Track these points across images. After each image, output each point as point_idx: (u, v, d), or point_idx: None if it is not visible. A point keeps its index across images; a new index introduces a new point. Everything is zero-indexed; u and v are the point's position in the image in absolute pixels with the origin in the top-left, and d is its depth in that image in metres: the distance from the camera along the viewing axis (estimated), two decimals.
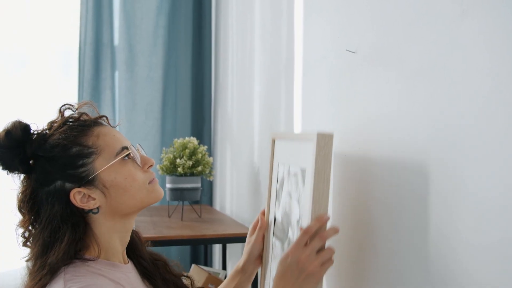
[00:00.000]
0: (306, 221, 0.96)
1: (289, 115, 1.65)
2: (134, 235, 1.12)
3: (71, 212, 0.94)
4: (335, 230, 0.93)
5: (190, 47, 3.16)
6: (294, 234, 1.05)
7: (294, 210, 1.06)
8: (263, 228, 1.23)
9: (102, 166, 0.95)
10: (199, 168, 2.23)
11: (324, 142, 0.92)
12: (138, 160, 1.01)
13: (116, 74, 3.09)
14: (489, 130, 0.71)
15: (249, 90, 2.22)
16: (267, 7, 1.96)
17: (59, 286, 0.87)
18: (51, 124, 1.00)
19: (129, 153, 0.99)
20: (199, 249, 3.14)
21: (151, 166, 1.04)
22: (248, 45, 2.27)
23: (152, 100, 3.11)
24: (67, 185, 0.94)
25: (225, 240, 1.97)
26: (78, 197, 0.94)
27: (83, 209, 0.95)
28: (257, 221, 1.25)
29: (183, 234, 1.90)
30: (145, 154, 1.07)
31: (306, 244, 0.91)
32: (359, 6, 1.10)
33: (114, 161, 0.96)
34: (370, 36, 1.06)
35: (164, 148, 2.42)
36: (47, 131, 0.98)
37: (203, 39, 3.21)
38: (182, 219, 2.24)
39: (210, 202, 3.16)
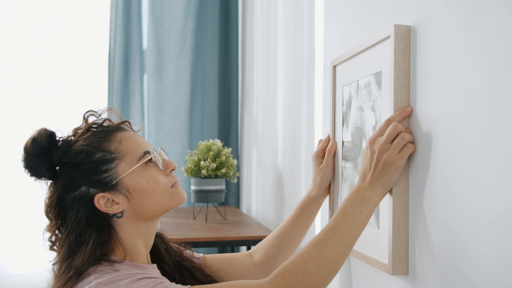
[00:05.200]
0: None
1: (310, 118, 1.64)
2: (159, 240, 1.13)
3: (96, 217, 0.96)
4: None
5: (217, 50, 3.18)
6: None
7: (368, 119, 1.06)
8: (333, 151, 1.24)
9: (125, 171, 0.97)
10: (223, 170, 2.24)
11: (402, 33, 0.92)
12: (160, 164, 1.02)
13: (145, 77, 3.14)
14: (494, 131, 0.68)
15: (273, 93, 2.22)
16: (289, 10, 1.96)
17: (89, 280, 0.89)
18: (75, 130, 1.02)
19: (151, 158, 1.00)
20: (226, 251, 3.15)
21: (173, 169, 1.05)
22: (272, 47, 2.27)
23: (180, 103, 3.15)
24: (92, 190, 0.96)
25: (246, 243, 1.97)
26: (102, 201, 0.96)
27: (107, 214, 0.98)
28: (322, 148, 1.26)
29: (206, 236, 1.91)
30: (167, 158, 1.08)
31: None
32: (377, 9, 1.08)
33: (136, 166, 0.98)
34: None
35: (188, 151, 2.44)
36: (72, 137, 1.01)
37: (230, 42, 3.23)
38: (206, 221, 2.25)
39: (237, 204, 3.17)
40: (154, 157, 1.00)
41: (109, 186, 0.96)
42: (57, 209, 0.98)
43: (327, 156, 1.24)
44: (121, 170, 0.97)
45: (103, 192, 0.96)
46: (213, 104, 3.18)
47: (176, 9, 3.14)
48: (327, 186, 1.24)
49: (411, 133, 0.91)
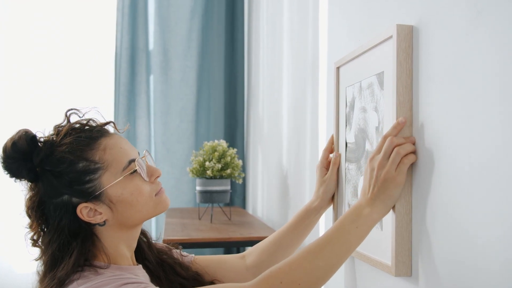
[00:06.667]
0: (389, 119, 0.95)
1: (314, 119, 1.64)
2: (141, 237, 1.12)
3: (79, 226, 0.95)
4: (411, 140, 0.91)
5: (223, 50, 3.19)
6: (372, 144, 1.05)
7: (371, 119, 1.06)
8: (337, 163, 1.23)
9: (109, 182, 0.95)
10: (228, 171, 2.24)
11: (404, 33, 0.91)
12: (144, 175, 0.99)
13: (151, 78, 3.15)
14: (496, 132, 0.68)
15: (278, 93, 2.22)
16: (294, 11, 1.95)
17: (72, 286, 0.88)
18: (57, 129, 0.99)
19: (136, 169, 0.97)
20: (231, 251, 3.15)
21: (158, 176, 1.03)
22: (277, 48, 2.27)
23: (186, 104, 3.16)
24: (74, 199, 0.94)
25: (251, 243, 1.97)
26: (84, 211, 0.94)
27: (90, 222, 0.96)
28: (325, 158, 1.25)
29: (210, 236, 1.91)
30: (153, 162, 1.06)
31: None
32: (380, 9, 1.08)
33: (121, 178, 0.96)
34: None
35: (194, 151, 2.45)
36: (53, 137, 0.97)
37: (236, 42, 3.23)
38: (211, 222, 2.26)
39: (243, 204, 3.17)
40: (138, 168, 0.98)
41: (92, 196, 0.94)
42: (39, 212, 0.96)
43: (332, 168, 1.23)
44: (105, 181, 0.95)
45: (85, 202, 0.94)
46: (219, 105, 3.18)
47: (182, 9, 3.14)
48: (330, 198, 1.23)
49: (414, 142, 0.90)
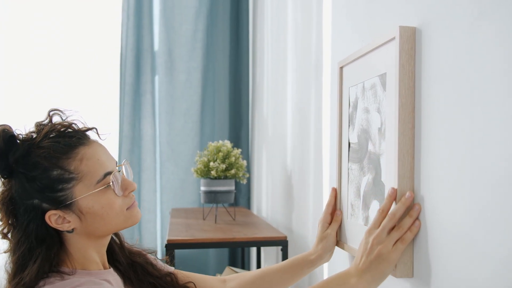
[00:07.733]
0: (392, 121, 0.95)
1: (318, 119, 1.64)
2: (115, 239, 1.12)
3: (46, 231, 0.94)
4: (410, 215, 0.90)
5: (228, 51, 3.19)
6: (375, 145, 1.05)
7: (374, 120, 1.06)
8: (339, 220, 1.24)
9: (81, 193, 0.94)
10: (233, 171, 2.25)
11: (407, 34, 0.92)
12: (117, 190, 0.98)
13: (156, 78, 3.16)
14: (497, 133, 0.68)
15: (282, 93, 2.22)
16: (298, 12, 1.96)
17: None
18: (38, 127, 0.97)
19: (109, 184, 0.96)
20: (236, 252, 3.16)
21: (132, 191, 1.01)
22: (281, 48, 2.27)
23: (191, 104, 3.16)
24: (44, 205, 0.93)
25: (255, 244, 1.97)
26: (53, 218, 0.94)
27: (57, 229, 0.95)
28: (328, 213, 1.26)
29: (214, 237, 1.92)
30: (130, 174, 1.05)
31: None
32: (383, 10, 1.08)
33: (94, 191, 0.95)
34: None
35: (198, 151, 2.45)
36: (33, 135, 0.96)
37: (240, 42, 3.23)
38: (215, 222, 2.26)
39: (248, 204, 3.17)
40: (113, 182, 0.97)
41: (63, 205, 0.93)
42: (11, 208, 0.95)
43: (332, 225, 1.24)
44: (78, 192, 0.93)
45: (55, 209, 0.93)
46: (224, 105, 3.19)
47: (186, 10, 3.15)
48: (328, 255, 1.24)
49: (419, 209, 0.90)
